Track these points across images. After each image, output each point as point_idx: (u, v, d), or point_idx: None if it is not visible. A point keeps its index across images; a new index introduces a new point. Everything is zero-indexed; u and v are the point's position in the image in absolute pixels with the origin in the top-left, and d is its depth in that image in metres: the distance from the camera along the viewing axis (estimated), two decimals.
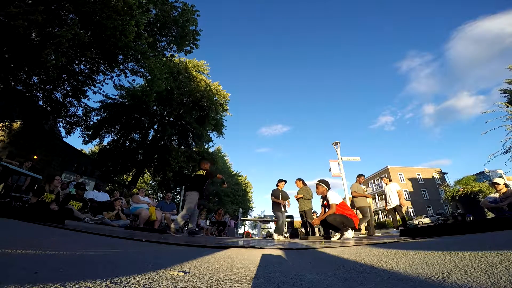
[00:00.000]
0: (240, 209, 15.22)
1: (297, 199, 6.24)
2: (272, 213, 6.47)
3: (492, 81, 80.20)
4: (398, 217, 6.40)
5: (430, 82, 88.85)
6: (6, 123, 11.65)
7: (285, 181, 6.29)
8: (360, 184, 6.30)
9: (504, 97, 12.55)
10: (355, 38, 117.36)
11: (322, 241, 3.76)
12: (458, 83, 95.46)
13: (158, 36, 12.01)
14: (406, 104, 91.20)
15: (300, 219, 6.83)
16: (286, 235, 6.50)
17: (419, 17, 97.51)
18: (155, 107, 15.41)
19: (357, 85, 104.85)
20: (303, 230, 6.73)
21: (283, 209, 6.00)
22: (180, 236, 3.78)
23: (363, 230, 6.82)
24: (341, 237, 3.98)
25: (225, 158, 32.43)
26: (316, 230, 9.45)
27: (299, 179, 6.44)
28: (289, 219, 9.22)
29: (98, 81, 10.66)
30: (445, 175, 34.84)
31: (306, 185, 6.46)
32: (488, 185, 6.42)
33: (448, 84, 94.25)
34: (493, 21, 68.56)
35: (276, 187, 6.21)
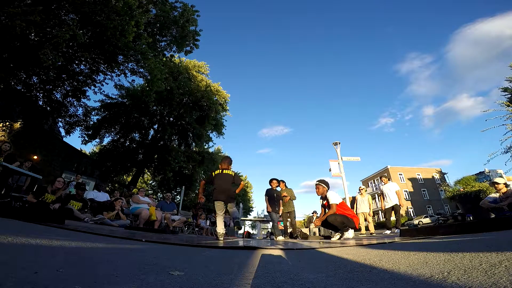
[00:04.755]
0: (241, 204, 15.17)
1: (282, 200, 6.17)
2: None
3: (491, 83, 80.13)
4: (393, 218, 6.40)
5: (430, 84, 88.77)
6: (6, 123, 11.65)
7: (277, 180, 6.22)
8: None
9: (504, 95, 12.55)
10: (355, 41, 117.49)
11: (322, 241, 3.76)
12: (457, 85, 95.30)
13: (158, 36, 12.01)
14: (406, 106, 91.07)
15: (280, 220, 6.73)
16: (286, 235, 6.48)
17: (419, 20, 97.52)
18: (155, 107, 15.43)
19: (358, 87, 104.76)
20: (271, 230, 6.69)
21: (276, 209, 5.94)
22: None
23: (363, 230, 6.83)
24: (341, 237, 3.98)
25: None
26: (306, 230, 9.41)
27: (282, 181, 6.40)
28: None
29: (98, 81, 10.66)
30: (445, 175, 34.86)
31: (287, 187, 6.45)
32: (488, 184, 6.41)
33: (448, 86, 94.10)
34: (491, 23, 68.56)
35: (270, 187, 6.13)
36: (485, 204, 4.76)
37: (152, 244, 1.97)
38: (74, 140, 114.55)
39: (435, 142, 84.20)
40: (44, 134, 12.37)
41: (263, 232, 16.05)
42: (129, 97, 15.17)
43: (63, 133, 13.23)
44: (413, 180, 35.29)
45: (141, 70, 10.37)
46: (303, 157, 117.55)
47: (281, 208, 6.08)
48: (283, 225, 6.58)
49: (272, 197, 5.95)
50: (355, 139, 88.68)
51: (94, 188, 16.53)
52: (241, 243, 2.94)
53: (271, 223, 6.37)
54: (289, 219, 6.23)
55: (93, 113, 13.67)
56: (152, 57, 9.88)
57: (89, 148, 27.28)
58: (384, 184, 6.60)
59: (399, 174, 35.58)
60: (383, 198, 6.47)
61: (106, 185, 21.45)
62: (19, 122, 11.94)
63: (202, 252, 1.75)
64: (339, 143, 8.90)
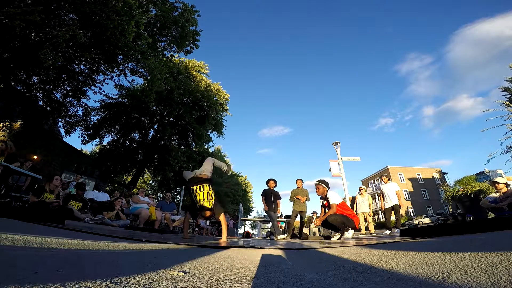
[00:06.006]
0: (241, 205, 15.13)
1: (295, 200, 6.08)
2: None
3: (490, 83, 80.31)
4: (393, 218, 6.39)
5: (430, 85, 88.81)
6: (6, 123, 11.65)
7: (275, 181, 6.14)
8: None
9: (504, 95, 12.56)
10: (355, 41, 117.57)
11: (322, 241, 3.77)
12: (457, 85, 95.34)
13: (158, 36, 12.01)
14: (406, 106, 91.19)
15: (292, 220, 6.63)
16: (285, 235, 6.48)
17: (419, 20, 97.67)
18: (155, 107, 15.43)
19: (358, 87, 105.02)
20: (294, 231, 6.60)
21: (273, 208, 5.91)
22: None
23: (363, 230, 6.83)
24: (341, 237, 3.98)
25: (225, 159, 32.44)
26: (306, 230, 9.44)
27: (301, 180, 6.27)
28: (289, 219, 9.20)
29: (98, 81, 10.67)
30: (445, 175, 34.85)
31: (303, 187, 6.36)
32: (489, 184, 6.41)
33: (448, 86, 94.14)
34: (491, 24, 68.59)
35: (267, 187, 6.11)
36: (485, 204, 4.76)
37: (152, 244, 1.97)
38: (74, 140, 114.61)
39: (435, 142, 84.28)
40: (44, 134, 12.37)
41: (263, 232, 16.05)
42: (129, 97, 15.17)
43: (63, 133, 13.25)
44: (413, 180, 35.28)
45: (141, 70, 10.36)
46: (303, 157, 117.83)
47: (279, 208, 6.06)
48: (283, 224, 6.56)
49: (269, 197, 5.91)
50: (355, 139, 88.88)
51: (94, 188, 16.56)
52: (241, 243, 2.94)
53: (271, 223, 6.32)
54: (297, 219, 6.19)
55: (93, 113, 13.70)
56: (152, 57, 9.87)
57: (90, 148, 27.30)
58: (384, 183, 6.60)
59: (399, 174, 35.57)
60: (383, 198, 6.47)
61: (106, 185, 21.47)
62: (19, 122, 11.94)
63: (202, 252, 1.75)
64: (339, 143, 8.90)
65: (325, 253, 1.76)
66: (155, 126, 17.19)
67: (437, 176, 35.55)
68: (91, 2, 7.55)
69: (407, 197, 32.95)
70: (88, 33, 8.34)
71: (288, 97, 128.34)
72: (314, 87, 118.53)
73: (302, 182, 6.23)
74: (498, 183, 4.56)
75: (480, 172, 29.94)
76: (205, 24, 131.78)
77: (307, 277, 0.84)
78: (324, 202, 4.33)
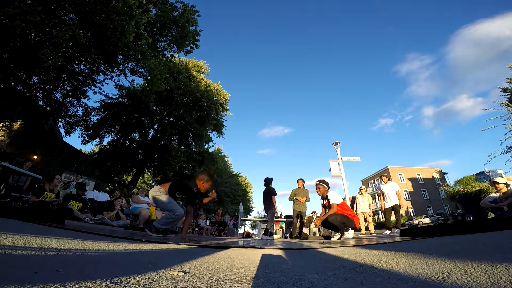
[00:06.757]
0: (241, 205, 15.12)
1: (294, 200, 6.11)
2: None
3: (490, 84, 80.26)
4: (393, 218, 6.40)
5: (429, 85, 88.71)
6: (6, 123, 11.66)
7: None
8: None
9: (504, 96, 12.56)
10: (355, 42, 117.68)
11: (322, 241, 3.77)
12: (457, 86, 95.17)
13: (158, 36, 12.02)
14: (406, 107, 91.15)
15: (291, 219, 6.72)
16: (286, 235, 6.49)
17: (419, 21, 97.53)
18: (155, 107, 15.44)
19: (358, 88, 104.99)
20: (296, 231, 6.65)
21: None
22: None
23: (363, 230, 6.83)
24: (341, 237, 3.98)
25: (226, 159, 32.46)
26: (306, 230, 9.48)
27: (302, 180, 6.31)
28: (290, 219, 9.23)
29: (98, 81, 10.68)
30: (445, 175, 34.85)
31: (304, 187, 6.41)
32: (489, 184, 6.41)
33: (447, 87, 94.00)
34: (491, 24, 68.60)
35: (272, 187, 6.19)
36: (485, 204, 4.76)
37: (152, 244, 1.97)
38: (74, 140, 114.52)
39: (435, 142, 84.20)
40: (44, 134, 12.38)
41: (263, 232, 16.01)
42: (129, 97, 15.17)
43: (63, 133, 13.25)
44: (413, 180, 35.28)
45: (141, 70, 10.38)
46: (303, 157, 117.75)
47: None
48: (283, 224, 6.59)
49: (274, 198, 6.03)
50: (355, 139, 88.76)
51: (94, 188, 16.56)
52: (241, 243, 2.95)
53: (270, 222, 6.34)
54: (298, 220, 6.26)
55: (93, 113, 13.70)
56: (152, 57, 9.88)
57: (89, 148, 27.30)
58: (385, 183, 6.59)
59: (399, 174, 35.57)
60: (383, 198, 6.47)
61: (106, 185, 21.47)
62: (19, 122, 11.95)
63: (202, 252, 1.75)
64: (339, 143, 8.90)
65: (325, 253, 1.76)
66: (155, 126, 17.19)
67: (437, 176, 35.56)
68: (91, 2, 7.55)
69: (407, 197, 32.95)
70: (88, 33, 8.34)
71: (288, 98, 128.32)
72: (314, 88, 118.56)
73: (303, 182, 6.23)
74: (498, 183, 4.56)
75: (480, 172, 29.92)
76: (205, 24, 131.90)
77: (307, 277, 0.84)
78: (325, 202, 4.33)
